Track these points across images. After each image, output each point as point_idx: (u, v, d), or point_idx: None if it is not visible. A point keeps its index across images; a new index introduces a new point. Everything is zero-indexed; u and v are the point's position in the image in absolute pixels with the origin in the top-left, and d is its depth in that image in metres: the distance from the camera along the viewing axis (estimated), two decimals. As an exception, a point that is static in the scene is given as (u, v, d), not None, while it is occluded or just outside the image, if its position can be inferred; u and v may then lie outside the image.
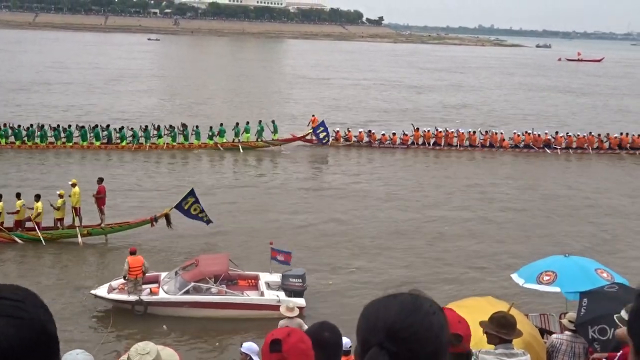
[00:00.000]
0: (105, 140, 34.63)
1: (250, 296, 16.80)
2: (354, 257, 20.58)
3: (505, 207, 26.84)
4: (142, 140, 34.85)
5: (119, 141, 34.75)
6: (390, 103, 59.56)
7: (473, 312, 8.30)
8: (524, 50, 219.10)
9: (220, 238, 21.64)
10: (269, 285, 17.14)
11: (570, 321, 8.70)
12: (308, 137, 36.66)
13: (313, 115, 40.05)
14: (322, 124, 36.61)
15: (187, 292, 16.42)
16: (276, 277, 17.25)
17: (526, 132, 38.68)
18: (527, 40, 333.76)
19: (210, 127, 35.99)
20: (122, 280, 16.69)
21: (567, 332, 8.66)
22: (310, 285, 17.31)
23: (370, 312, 1.75)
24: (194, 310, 16.28)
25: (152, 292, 16.58)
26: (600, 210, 26.90)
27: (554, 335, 9.14)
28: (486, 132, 38.50)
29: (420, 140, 37.88)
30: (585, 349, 8.32)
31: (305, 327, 13.26)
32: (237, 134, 36.07)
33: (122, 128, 35.36)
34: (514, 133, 38.58)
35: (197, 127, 36.05)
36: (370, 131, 38.15)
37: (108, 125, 35.57)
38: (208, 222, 20.92)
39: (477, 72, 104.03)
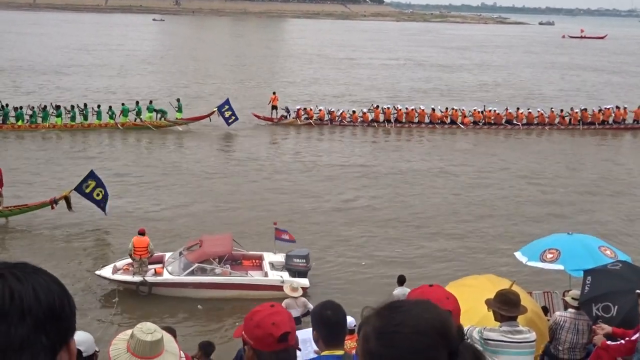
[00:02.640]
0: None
1: (254, 277, 16.85)
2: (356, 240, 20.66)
3: (476, 184, 26.92)
4: (39, 119, 33.47)
5: (14, 120, 33.29)
6: (427, 83, 58.97)
7: (475, 290, 8.34)
8: (527, 28, 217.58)
9: (224, 217, 21.74)
10: (273, 266, 17.18)
11: (573, 298, 8.70)
12: (229, 116, 34.73)
13: (274, 93, 39.10)
14: (227, 102, 35.12)
15: (191, 273, 16.48)
16: (280, 258, 17.29)
17: (488, 109, 38.40)
18: (530, 18, 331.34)
19: (110, 107, 34.79)
20: (126, 261, 16.79)
21: (570, 310, 8.66)
22: (316, 266, 17.43)
23: (398, 317, 1.70)
24: (198, 291, 16.34)
25: (156, 273, 16.66)
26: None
27: (557, 313, 9.16)
28: (446, 109, 38.22)
29: (381, 118, 37.49)
30: (589, 325, 8.33)
31: (310, 306, 13.36)
32: (139, 113, 34.98)
33: (20, 107, 33.81)
34: (474, 110, 38.34)
35: (99, 106, 34.83)
36: (330, 110, 37.71)
37: (7, 105, 34.16)
38: (104, 209, 20.17)
39: (499, 50, 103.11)
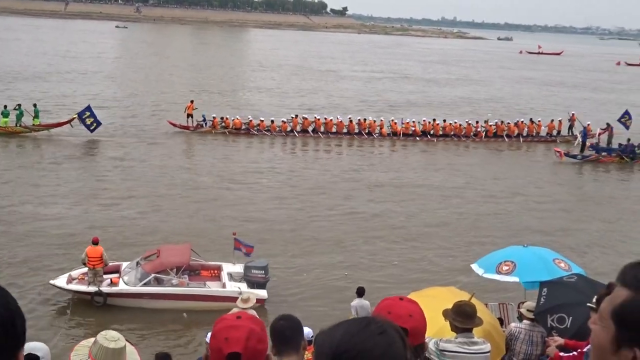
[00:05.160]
0: None
1: (212, 287, 16.72)
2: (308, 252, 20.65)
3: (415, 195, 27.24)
4: None
5: None
6: (415, 95, 59.69)
7: (435, 301, 8.39)
8: (486, 43, 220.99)
9: (184, 227, 21.56)
10: (231, 276, 17.08)
11: (528, 310, 8.83)
12: (90, 123, 33.21)
13: (191, 101, 38.46)
14: (88, 108, 33.75)
15: (147, 283, 16.29)
16: (239, 268, 17.19)
17: (406, 121, 38.87)
18: (489, 33, 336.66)
19: None
20: (82, 270, 16.51)
21: (525, 321, 8.79)
22: (275, 277, 17.38)
23: (318, 339, 1.76)
24: (154, 302, 16.16)
25: (112, 283, 16.41)
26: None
27: (512, 324, 9.27)
28: (364, 119, 38.39)
29: (299, 128, 37.52)
30: (542, 337, 8.45)
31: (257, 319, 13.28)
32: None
33: None
34: (392, 120, 38.74)
35: None
36: (249, 118, 37.49)
37: None
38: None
39: (476, 65, 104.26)
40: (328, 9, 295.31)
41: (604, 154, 35.50)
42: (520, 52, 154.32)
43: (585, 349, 6.69)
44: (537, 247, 12.54)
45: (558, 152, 35.26)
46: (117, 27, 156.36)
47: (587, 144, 36.46)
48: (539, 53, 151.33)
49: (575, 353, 6.86)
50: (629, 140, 36.11)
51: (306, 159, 33.13)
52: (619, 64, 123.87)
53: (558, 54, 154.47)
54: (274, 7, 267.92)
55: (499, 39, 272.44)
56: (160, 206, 23.86)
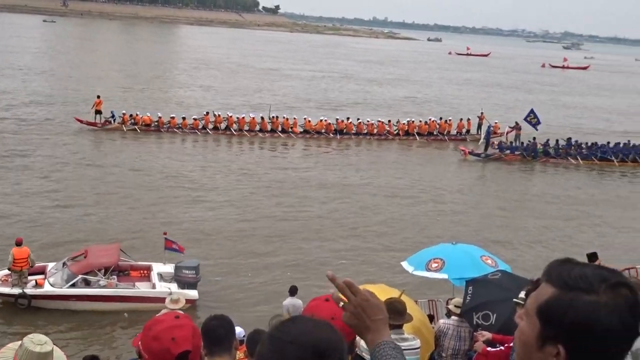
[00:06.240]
0: None
1: (141, 288, 16.43)
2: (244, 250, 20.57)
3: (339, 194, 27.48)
4: None
5: None
6: (358, 95, 59.94)
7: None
8: (416, 44, 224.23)
9: (113, 227, 21.11)
10: (161, 277, 16.82)
11: (456, 306, 9.00)
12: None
13: (98, 97, 37.12)
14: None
15: (74, 285, 15.88)
16: (170, 269, 16.95)
17: (320, 119, 39.31)
18: (419, 34, 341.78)
19: None
20: (5, 272, 15.98)
21: (453, 317, 8.95)
22: (207, 277, 17.23)
23: (283, 328, 1.79)
24: (81, 304, 15.79)
25: (37, 284, 15.93)
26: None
27: (441, 321, 9.43)
28: (276, 117, 38.36)
29: (211, 125, 37.23)
30: (470, 332, 8.62)
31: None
32: None
33: None
34: (305, 119, 38.98)
35: None
36: (134, 114, 36.83)
37: None
38: None
39: (412, 66, 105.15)
40: (260, 7, 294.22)
41: (507, 152, 36.42)
42: (450, 53, 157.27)
43: (512, 343, 6.86)
44: (465, 244, 12.79)
45: (463, 150, 36.11)
46: (44, 21, 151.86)
47: (496, 142, 37.44)
48: (467, 54, 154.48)
49: (502, 347, 7.03)
50: (534, 139, 37.15)
51: (221, 157, 32.81)
52: (543, 66, 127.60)
53: (486, 55, 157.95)
54: (205, 3, 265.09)
55: (428, 39, 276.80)
56: (83, 205, 23.30)
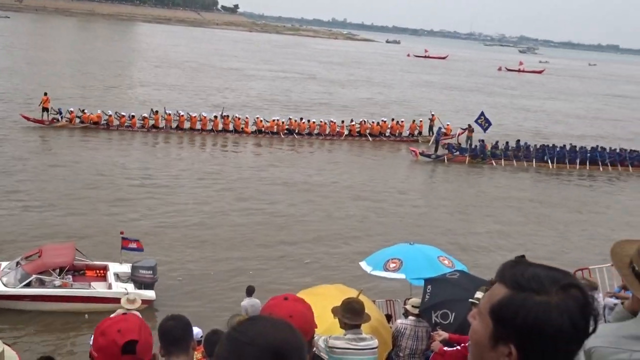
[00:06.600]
0: None
1: (97, 288, 16.22)
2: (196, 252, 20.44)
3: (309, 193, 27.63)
4: None
5: None
6: (322, 95, 60.09)
7: (324, 299, 8.49)
8: (376, 45, 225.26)
9: (67, 226, 20.78)
10: (118, 277, 16.63)
11: (413, 306, 9.06)
12: None
13: (45, 94, 36.75)
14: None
15: (28, 285, 15.59)
16: (126, 268, 16.76)
17: (272, 119, 39.41)
18: (378, 36, 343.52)
19: None
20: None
21: (410, 317, 9.01)
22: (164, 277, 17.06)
23: (241, 329, 1.76)
24: (36, 304, 15.51)
25: (-11, 285, 15.61)
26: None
27: (398, 320, 9.48)
28: (227, 116, 38.19)
29: (161, 124, 37.00)
30: (427, 332, 8.70)
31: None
32: None
33: None
34: (257, 117, 39.07)
35: None
36: (84, 111, 36.21)
37: None
38: None
39: (373, 67, 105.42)
40: (219, 6, 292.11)
41: (456, 153, 36.90)
42: (409, 55, 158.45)
43: (468, 343, 6.96)
44: (422, 244, 12.91)
45: (413, 151, 36.47)
46: None
47: (445, 143, 38.02)
48: (425, 56, 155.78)
49: (458, 347, 7.12)
50: (482, 141, 37.71)
51: (174, 156, 32.62)
52: (500, 69, 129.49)
53: (443, 58, 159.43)
54: (163, 1, 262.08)
55: (387, 41, 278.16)
56: (36, 204, 22.93)
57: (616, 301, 6.35)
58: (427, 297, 9.00)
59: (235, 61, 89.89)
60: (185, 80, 62.42)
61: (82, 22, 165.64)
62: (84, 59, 72.32)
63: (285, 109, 48.31)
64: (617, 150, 38.75)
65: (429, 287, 9.11)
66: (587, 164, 37.42)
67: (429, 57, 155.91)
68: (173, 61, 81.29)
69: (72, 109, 36.14)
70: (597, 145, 39.48)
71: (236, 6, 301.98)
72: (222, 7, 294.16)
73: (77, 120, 35.71)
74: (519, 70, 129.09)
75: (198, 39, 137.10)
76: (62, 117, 35.65)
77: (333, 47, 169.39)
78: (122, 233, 17.27)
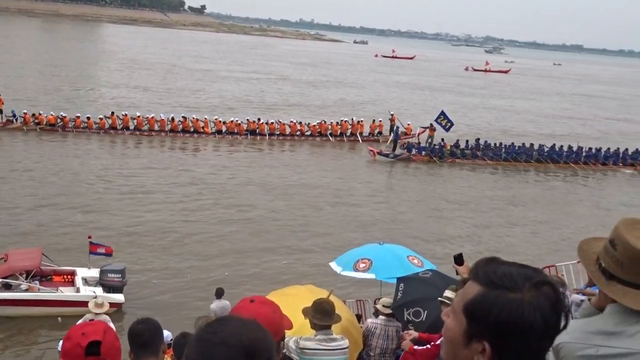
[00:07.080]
0: None
1: (65, 292, 16.02)
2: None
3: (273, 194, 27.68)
4: None
5: None
6: (295, 96, 60.12)
7: (294, 299, 8.47)
8: (344, 46, 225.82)
9: (33, 230, 20.49)
10: (86, 281, 16.46)
11: (384, 306, 9.08)
12: None
13: None
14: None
15: (-6, 289, 15.36)
16: (95, 273, 16.61)
17: (230, 120, 39.41)
18: (346, 36, 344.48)
19: None
20: None
21: (381, 317, 9.04)
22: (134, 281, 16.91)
23: (210, 330, 1.75)
24: (2, 309, 15.26)
25: (-46, 290, 15.33)
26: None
27: (369, 320, 9.51)
28: (185, 118, 38.05)
29: (119, 125, 36.61)
30: (397, 331, 8.74)
31: (112, 325, 12.91)
32: None
33: None
34: (216, 119, 38.95)
35: None
36: (63, 115, 35.84)
37: None
38: None
39: (342, 68, 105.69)
40: (186, 7, 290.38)
41: (414, 152, 37.22)
42: (376, 55, 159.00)
43: (438, 342, 7.00)
44: (392, 244, 12.95)
45: (372, 151, 36.66)
46: None
47: (404, 142, 38.33)
48: (393, 57, 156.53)
49: (428, 346, 7.16)
50: (442, 140, 38.14)
51: (134, 157, 32.20)
52: (467, 69, 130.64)
53: (411, 58, 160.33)
54: (129, 2, 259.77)
55: (355, 42, 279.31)
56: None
57: (583, 297, 6.44)
58: (399, 295, 9.02)
59: (207, 62, 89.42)
60: (157, 83, 61.92)
61: (46, 23, 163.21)
62: (51, 61, 71.26)
63: (259, 110, 48.02)
64: (574, 149, 39.51)
65: (402, 285, 9.14)
66: (545, 162, 38.21)
67: (396, 57, 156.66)
68: (144, 62, 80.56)
69: (25, 111, 35.50)
70: (554, 144, 40.21)
71: (203, 7, 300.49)
72: (189, 7, 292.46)
73: (32, 122, 35.06)
74: (485, 70, 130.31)
75: (166, 40, 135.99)
76: (16, 119, 35.00)
77: (301, 47, 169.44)
78: (89, 238, 17.08)
